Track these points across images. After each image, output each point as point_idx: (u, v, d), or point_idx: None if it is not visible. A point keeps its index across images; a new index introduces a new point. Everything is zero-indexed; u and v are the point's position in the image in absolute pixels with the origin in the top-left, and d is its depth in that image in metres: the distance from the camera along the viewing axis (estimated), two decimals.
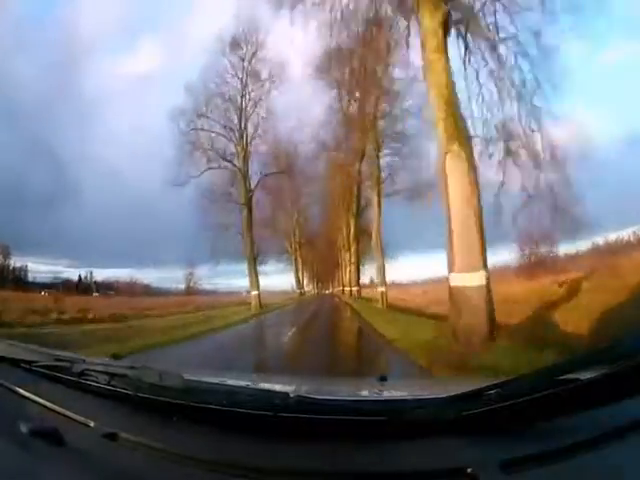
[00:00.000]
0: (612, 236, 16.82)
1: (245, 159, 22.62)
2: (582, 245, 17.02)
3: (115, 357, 1.68)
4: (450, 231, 6.29)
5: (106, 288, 34.19)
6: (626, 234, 16.56)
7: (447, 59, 7.02)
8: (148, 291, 34.84)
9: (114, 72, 59.43)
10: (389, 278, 20.90)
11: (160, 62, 63.16)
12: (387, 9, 9.02)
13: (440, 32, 6.94)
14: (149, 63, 66.28)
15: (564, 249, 17.11)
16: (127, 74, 58.40)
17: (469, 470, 0.67)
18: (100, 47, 71.14)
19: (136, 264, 36.80)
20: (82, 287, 32.53)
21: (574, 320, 7.38)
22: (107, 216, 38.24)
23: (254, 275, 22.56)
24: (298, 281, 41.18)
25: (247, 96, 22.75)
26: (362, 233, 25.49)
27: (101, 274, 37.14)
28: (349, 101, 18.17)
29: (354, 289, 29.97)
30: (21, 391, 1.04)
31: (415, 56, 8.62)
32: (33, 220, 33.05)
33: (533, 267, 16.74)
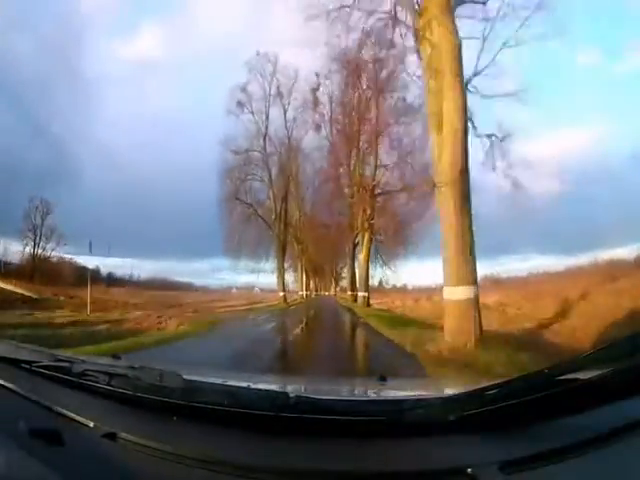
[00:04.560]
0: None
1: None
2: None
3: (115, 357, 1.68)
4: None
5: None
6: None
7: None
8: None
9: (115, 55, 59.15)
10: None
11: (162, 48, 62.58)
12: None
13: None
14: (151, 48, 65.18)
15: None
16: (128, 58, 57.17)
17: (469, 470, 0.67)
18: (102, 28, 68.44)
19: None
20: None
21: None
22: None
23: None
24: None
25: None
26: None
27: None
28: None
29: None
30: (21, 391, 1.04)
31: None
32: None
33: None
